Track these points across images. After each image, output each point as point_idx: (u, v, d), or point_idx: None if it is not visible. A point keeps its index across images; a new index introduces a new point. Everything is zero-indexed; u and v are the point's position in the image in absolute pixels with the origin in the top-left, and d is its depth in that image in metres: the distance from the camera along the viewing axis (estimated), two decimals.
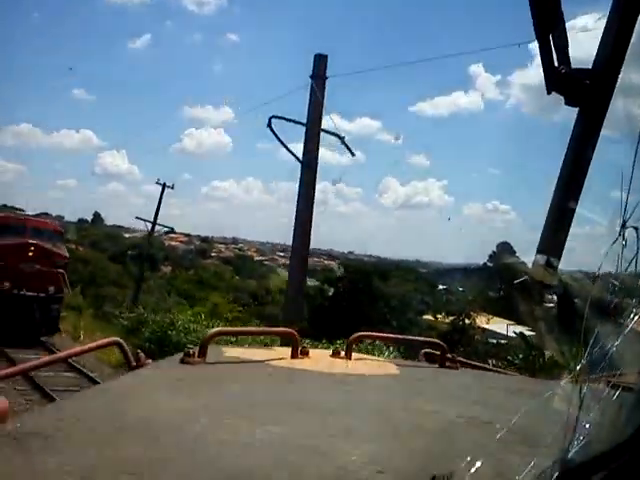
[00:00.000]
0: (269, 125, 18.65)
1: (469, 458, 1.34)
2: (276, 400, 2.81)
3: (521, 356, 11.98)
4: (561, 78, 1.10)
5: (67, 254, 25.29)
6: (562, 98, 1.16)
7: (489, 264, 41.71)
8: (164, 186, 32.12)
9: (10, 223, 23.95)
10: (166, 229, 39.81)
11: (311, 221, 17.82)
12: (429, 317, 36.35)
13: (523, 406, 2.30)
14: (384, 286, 35.65)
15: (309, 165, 17.91)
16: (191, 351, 3.38)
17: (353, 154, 20.76)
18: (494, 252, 41.26)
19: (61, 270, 23.00)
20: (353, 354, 4.16)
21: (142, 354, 3.44)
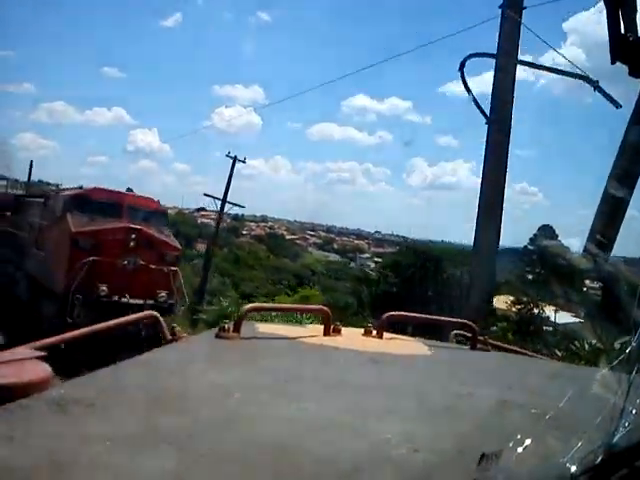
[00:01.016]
0: (461, 68, 15.41)
1: (513, 440, 1.33)
2: (309, 377, 2.83)
3: (587, 347, 11.29)
4: (628, 46, 1.05)
5: (178, 244, 18.48)
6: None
7: (530, 247, 40.78)
8: (235, 160, 28.73)
9: (102, 199, 17.25)
10: (236, 206, 35.03)
11: (503, 189, 15.03)
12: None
13: (559, 391, 2.28)
14: (454, 271, 30.99)
15: (499, 120, 14.71)
16: (226, 326, 3.42)
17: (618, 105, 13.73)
18: (535, 235, 40.37)
19: (173, 267, 16.83)
20: (385, 333, 4.16)
21: (178, 328, 3.49)
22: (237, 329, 3.44)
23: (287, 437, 1.98)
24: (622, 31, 1.07)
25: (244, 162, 28.77)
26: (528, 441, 1.42)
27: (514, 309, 28.56)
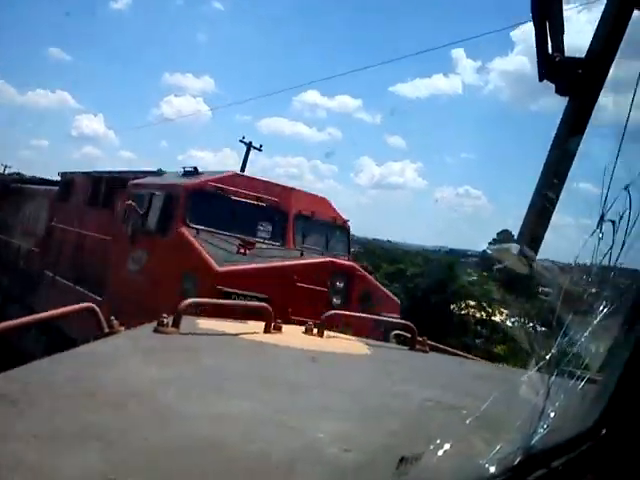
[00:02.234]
0: None
1: (434, 443, 1.36)
2: (247, 374, 2.83)
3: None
4: (554, 66, 1.11)
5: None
6: (542, 87, 1.17)
7: (488, 252, 40.96)
8: (249, 146, 24.93)
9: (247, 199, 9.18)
10: None
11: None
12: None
13: (489, 392, 2.35)
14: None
15: None
16: (165, 320, 3.37)
17: None
18: (494, 240, 40.98)
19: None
20: (325, 332, 4.19)
21: (116, 321, 3.42)
22: (176, 324, 3.40)
23: (221, 434, 1.98)
24: (550, 51, 1.11)
25: (260, 150, 24.94)
26: (451, 442, 1.46)
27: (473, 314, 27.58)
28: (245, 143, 23.63)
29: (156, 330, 3.31)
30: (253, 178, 9.66)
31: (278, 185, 9.64)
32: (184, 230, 8.14)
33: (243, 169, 21.89)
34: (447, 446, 1.37)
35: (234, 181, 9.18)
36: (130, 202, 9.24)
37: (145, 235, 8.89)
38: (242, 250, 7.89)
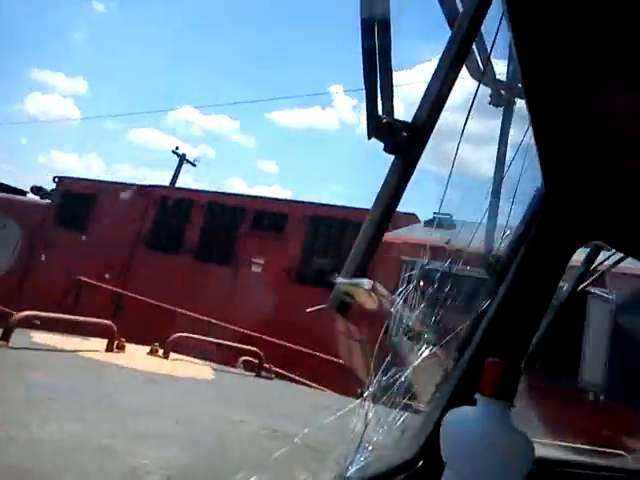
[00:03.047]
0: None
1: (244, 472, 1.37)
2: (79, 394, 2.68)
3: None
4: (383, 127, 1.20)
5: None
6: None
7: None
8: (182, 159, 20.81)
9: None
10: None
11: None
12: None
13: (325, 421, 2.40)
14: None
15: None
16: None
17: None
18: None
19: None
20: (172, 354, 4.08)
21: None
22: (6, 337, 3.16)
23: (36, 460, 1.84)
24: (379, 112, 1.21)
25: (194, 165, 21.62)
26: (275, 471, 1.47)
27: None
28: (178, 154, 21.10)
29: None
30: None
31: None
32: None
33: (174, 182, 19.87)
34: (265, 473, 1.38)
35: None
36: None
37: None
38: None
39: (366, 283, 1.54)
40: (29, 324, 3.61)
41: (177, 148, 22.28)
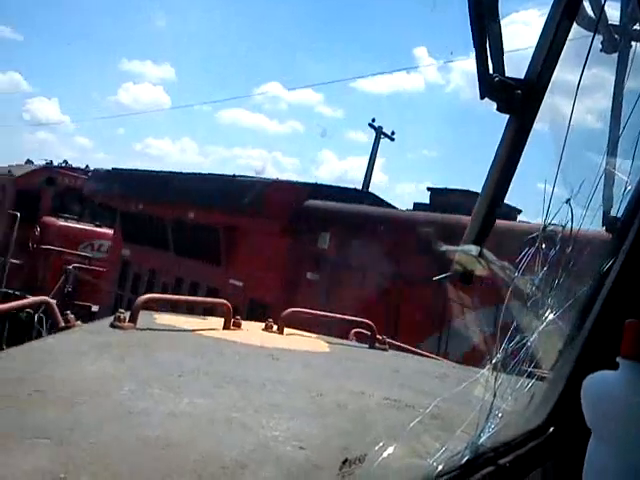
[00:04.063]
0: None
1: (383, 442, 1.38)
2: (204, 371, 2.81)
3: None
4: (494, 86, 1.15)
5: None
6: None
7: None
8: (379, 132, 18.10)
9: None
10: None
11: None
12: None
13: (445, 391, 2.38)
14: None
15: None
16: (122, 316, 3.33)
17: None
18: None
19: None
20: (285, 329, 4.19)
21: (72, 316, 3.37)
22: (133, 319, 3.36)
23: (173, 432, 1.96)
24: (490, 70, 1.16)
25: (392, 139, 19.16)
26: (405, 440, 1.48)
27: None
28: (374, 128, 18.63)
29: (112, 325, 3.26)
30: None
31: None
32: None
33: (372, 159, 18.16)
34: (399, 444, 1.39)
35: None
36: None
37: None
38: None
39: (473, 249, 1.50)
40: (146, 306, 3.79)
41: (373, 120, 19.08)
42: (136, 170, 16.72)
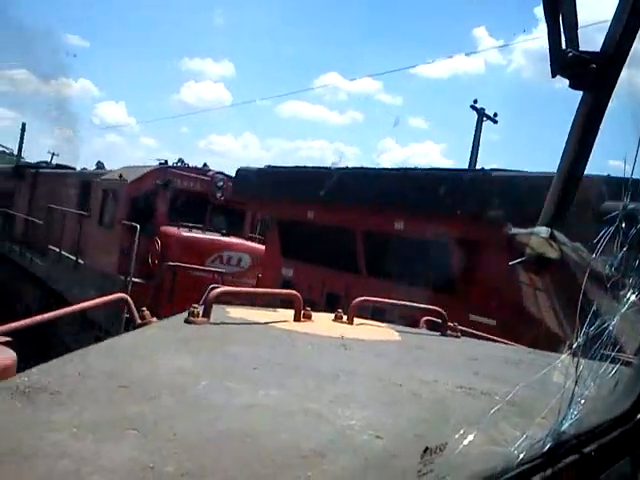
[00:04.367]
0: None
1: (462, 430, 1.37)
2: (278, 363, 2.85)
3: None
4: (567, 61, 1.10)
5: None
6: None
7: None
8: (481, 115, 17.23)
9: None
10: None
11: None
12: None
13: (521, 378, 2.33)
14: None
15: None
16: (196, 311, 3.42)
17: None
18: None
19: None
20: (355, 319, 4.20)
21: (147, 312, 3.48)
22: (206, 314, 3.44)
23: (252, 424, 2.00)
24: (563, 46, 1.10)
25: (495, 121, 18.37)
26: (483, 428, 1.46)
27: None
28: (476, 109, 17.82)
29: (187, 321, 3.35)
30: None
31: None
32: None
33: (476, 143, 16.81)
34: (478, 432, 1.38)
35: None
36: None
37: None
38: None
39: (544, 231, 1.46)
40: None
41: (475, 102, 18.72)
42: (300, 167, 13.10)
